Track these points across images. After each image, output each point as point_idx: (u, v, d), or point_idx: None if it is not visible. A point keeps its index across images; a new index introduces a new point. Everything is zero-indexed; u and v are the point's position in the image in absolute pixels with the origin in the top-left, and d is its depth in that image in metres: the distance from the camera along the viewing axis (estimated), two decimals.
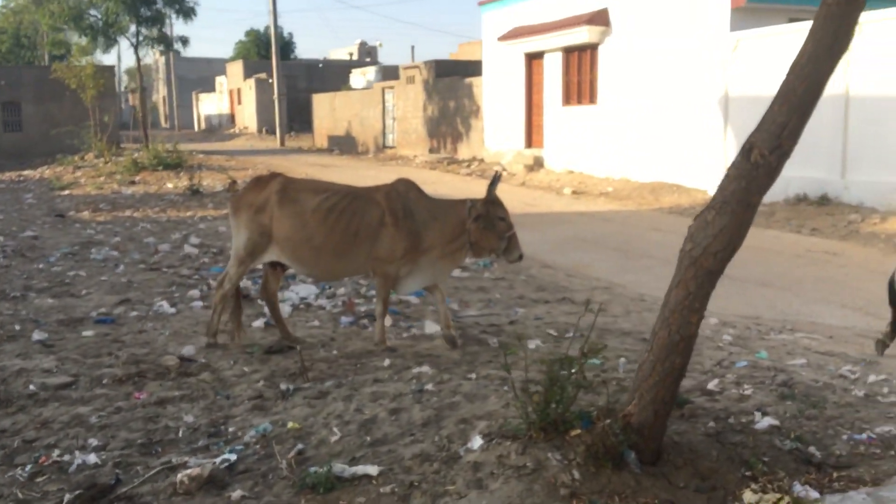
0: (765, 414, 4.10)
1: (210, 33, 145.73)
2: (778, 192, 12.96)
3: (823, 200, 12.23)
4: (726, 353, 5.62)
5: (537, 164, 19.67)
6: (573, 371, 3.35)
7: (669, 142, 15.74)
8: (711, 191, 14.66)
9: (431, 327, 6.21)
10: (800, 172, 12.71)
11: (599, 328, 6.34)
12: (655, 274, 8.94)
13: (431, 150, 25.31)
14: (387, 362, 5.17)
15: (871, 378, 5.00)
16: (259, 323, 6.34)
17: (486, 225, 5.50)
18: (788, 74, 3.10)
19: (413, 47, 61.29)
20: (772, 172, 3.04)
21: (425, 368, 4.73)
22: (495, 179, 5.63)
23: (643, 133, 16.42)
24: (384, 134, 29.09)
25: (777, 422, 3.85)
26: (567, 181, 17.80)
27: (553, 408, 3.30)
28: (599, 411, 3.32)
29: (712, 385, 4.65)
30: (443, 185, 17.84)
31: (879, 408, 4.43)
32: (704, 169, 14.64)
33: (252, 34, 53.34)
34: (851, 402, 4.51)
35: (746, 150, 3.07)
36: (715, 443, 3.48)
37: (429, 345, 5.78)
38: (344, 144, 31.44)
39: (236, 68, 48.92)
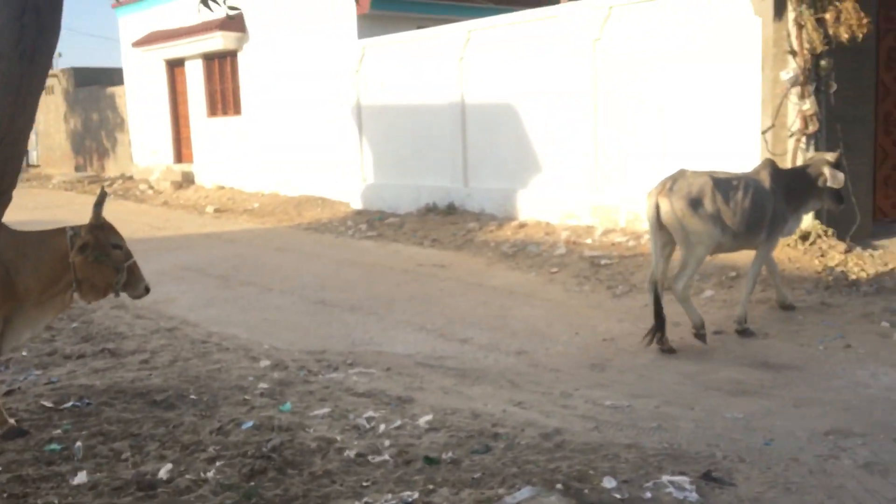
0: None
1: None
2: (409, 202, 12.81)
3: (450, 209, 12.19)
4: (245, 410, 4.77)
5: (187, 180, 18.14)
6: None
7: (313, 154, 15.09)
8: (354, 204, 14.30)
9: None
10: (429, 181, 12.67)
11: (115, 388, 5.24)
12: (245, 304, 8.06)
13: (78, 168, 22.64)
14: None
15: (382, 428, 4.40)
16: None
17: (97, 256, 4.28)
18: None
19: (59, 54, 53.61)
20: None
21: None
22: (101, 199, 4.31)
23: (288, 145, 15.64)
24: (27, 151, 25.62)
25: None
26: (216, 198, 16.51)
27: None
28: None
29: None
30: (69, 209, 15.74)
31: (361, 474, 3.78)
32: (346, 181, 14.16)
33: None
34: (333, 468, 3.82)
35: None
36: None
37: None
38: None
39: None
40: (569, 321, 7.00)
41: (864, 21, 6.67)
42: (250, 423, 4.45)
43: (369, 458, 3.96)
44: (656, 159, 9.49)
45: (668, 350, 6.01)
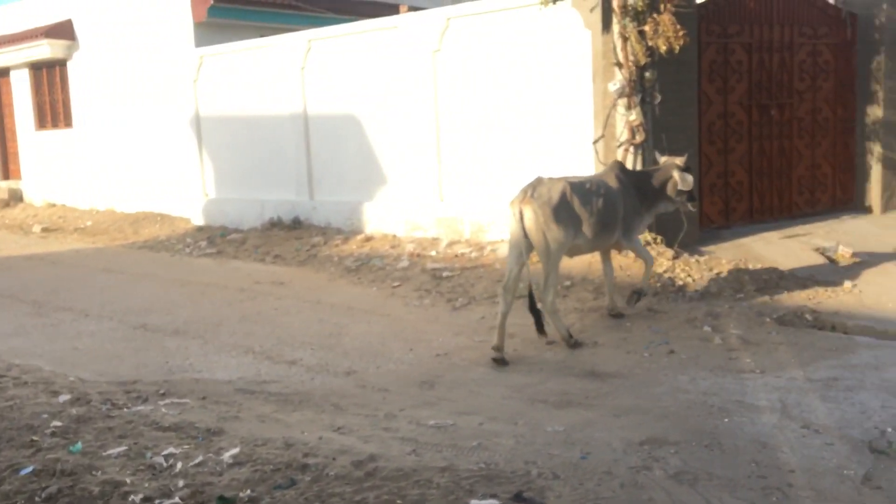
0: None
1: None
2: (254, 217, 12.32)
3: (295, 224, 11.79)
4: (30, 452, 4.27)
5: (14, 197, 16.84)
6: None
7: (151, 168, 14.30)
8: (195, 220, 13.62)
9: None
10: (273, 195, 12.23)
11: None
12: (56, 332, 7.41)
13: None
14: None
15: (179, 466, 4.02)
16: None
17: None
18: None
19: None
20: None
21: None
22: None
23: (125, 159, 14.76)
24: None
25: None
26: (45, 216, 15.37)
27: None
28: None
29: None
30: None
31: None
32: (186, 196, 13.47)
33: None
34: None
35: None
36: None
37: None
38: None
39: None
40: (405, 337, 6.80)
41: (681, 33, 6.86)
42: (30, 469, 3.97)
43: (157, 501, 3.58)
44: (498, 170, 9.50)
45: (500, 361, 5.92)
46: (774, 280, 7.69)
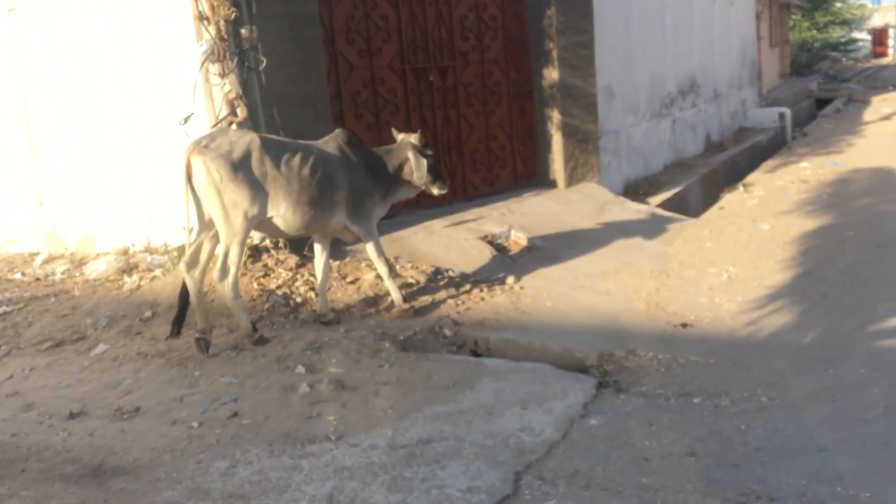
0: None
1: None
2: None
3: None
4: None
5: None
6: None
7: None
8: None
9: None
10: None
11: None
12: None
13: None
14: None
15: None
16: None
17: None
18: None
19: None
20: None
21: None
22: None
23: None
24: None
25: None
26: None
27: None
28: None
29: None
30: None
31: None
32: None
33: None
34: None
35: None
36: None
37: None
38: None
39: None
40: None
41: None
42: None
43: None
44: (110, 162, 7.33)
45: (203, 343, 5.03)
46: (423, 284, 6.27)
